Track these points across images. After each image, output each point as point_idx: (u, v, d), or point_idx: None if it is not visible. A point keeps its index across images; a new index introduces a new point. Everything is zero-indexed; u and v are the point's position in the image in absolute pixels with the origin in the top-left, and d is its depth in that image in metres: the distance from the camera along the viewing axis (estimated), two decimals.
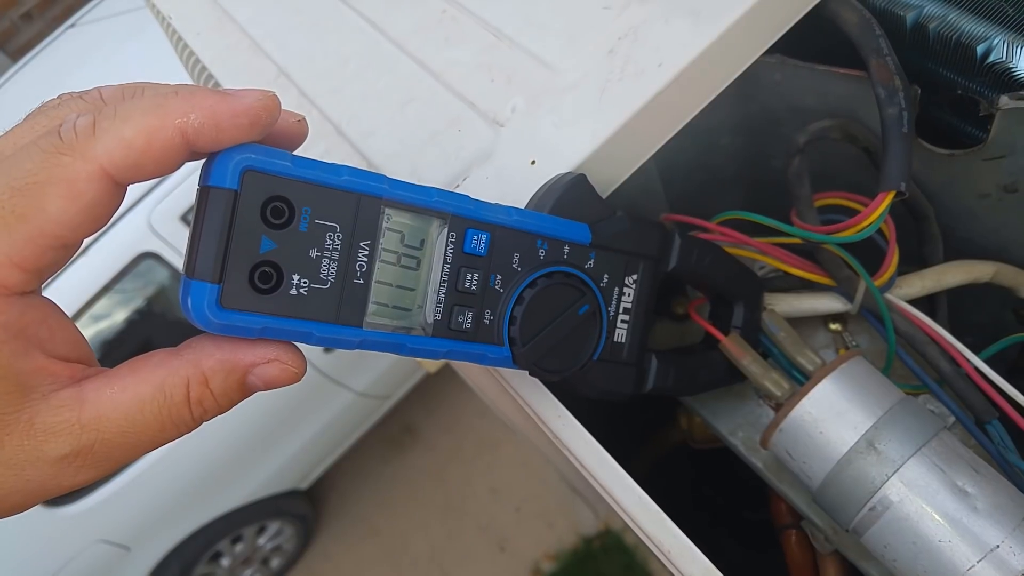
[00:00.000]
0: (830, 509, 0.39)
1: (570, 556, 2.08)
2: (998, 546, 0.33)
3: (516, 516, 2.20)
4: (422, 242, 0.33)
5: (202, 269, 0.28)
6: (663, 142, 0.41)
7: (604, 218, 0.38)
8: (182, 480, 1.88)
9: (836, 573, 0.48)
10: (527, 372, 0.37)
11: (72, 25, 2.22)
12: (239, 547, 2.14)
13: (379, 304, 0.32)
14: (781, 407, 0.40)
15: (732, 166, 0.52)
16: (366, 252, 0.31)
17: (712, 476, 0.68)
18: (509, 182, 0.41)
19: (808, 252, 0.44)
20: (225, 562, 2.12)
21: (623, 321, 0.39)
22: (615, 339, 0.39)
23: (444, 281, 0.33)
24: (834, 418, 0.38)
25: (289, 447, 2.07)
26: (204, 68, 0.56)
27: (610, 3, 0.42)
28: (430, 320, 0.33)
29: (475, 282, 0.34)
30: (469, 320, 0.34)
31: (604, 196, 0.42)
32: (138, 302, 1.75)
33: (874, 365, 0.40)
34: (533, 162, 0.41)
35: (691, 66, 0.38)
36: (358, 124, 0.46)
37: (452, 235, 0.33)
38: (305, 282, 0.30)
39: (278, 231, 0.30)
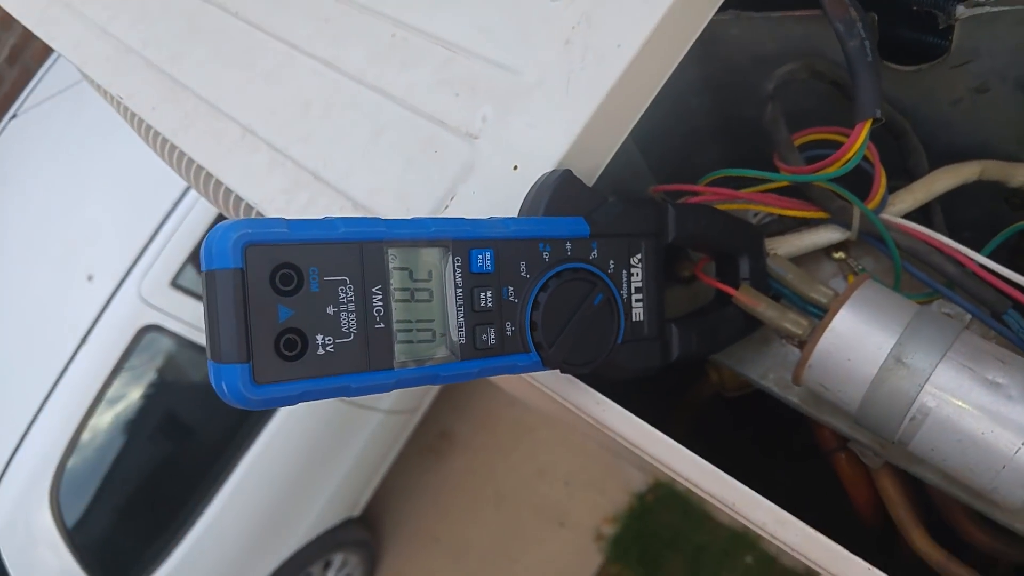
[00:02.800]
0: (873, 427, 0.40)
1: (628, 516, 2.11)
2: None
3: (567, 491, 2.22)
4: (430, 273, 0.34)
5: (228, 351, 0.29)
6: (636, 119, 0.41)
7: (597, 206, 0.39)
8: (239, 539, 1.90)
9: (891, 483, 0.49)
10: (558, 371, 0.38)
11: (14, 116, 2.21)
12: None
13: (404, 343, 0.33)
14: (805, 344, 0.41)
15: (708, 125, 0.53)
16: (380, 296, 0.32)
17: (751, 419, 0.70)
18: (496, 192, 0.41)
19: (798, 191, 0.45)
20: None
21: (637, 300, 0.40)
22: (634, 319, 0.40)
23: (460, 305, 0.34)
24: (858, 343, 0.39)
25: (332, 479, 2.09)
26: (166, 140, 0.56)
27: None
28: (457, 346, 0.34)
29: (490, 299, 0.35)
30: (493, 336, 0.35)
31: (591, 184, 0.43)
32: (150, 376, 1.76)
33: (884, 284, 0.41)
34: (516, 167, 0.41)
35: (649, 40, 0.38)
36: (334, 166, 0.47)
37: (457, 259, 0.34)
38: (330, 339, 0.31)
39: (292, 297, 0.30)
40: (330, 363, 0.31)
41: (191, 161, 0.52)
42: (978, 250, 0.42)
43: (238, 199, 0.50)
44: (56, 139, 1.99)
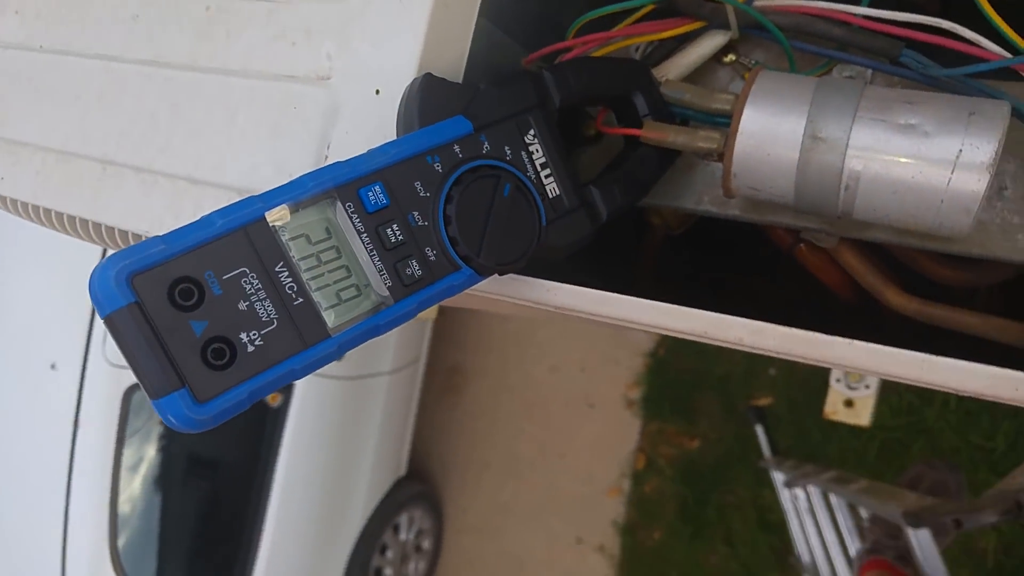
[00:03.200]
0: (815, 209, 0.40)
1: (648, 375, 2.17)
2: (960, 150, 0.34)
3: (585, 375, 2.27)
4: (328, 230, 0.32)
5: (159, 385, 0.28)
6: None
7: (472, 99, 0.37)
8: (304, 541, 1.93)
9: (852, 255, 0.50)
10: (499, 273, 0.37)
11: None
12: (389, 554, 2.22)
13: (331, 307, 0.32)
14: (723, 152, 0.40)
15: None
16: (286, 273, 0.31)
17: (708, 248, 0.70)
18: (369, 123, 0.40)
19: (668, 10, 0.43)
20: (388, 572, 2.21)
21: (547, 176, 0.39)
22: (551, 196, 0.39)
23: (371, 250, 0.33)
24: (772, 136, 0.38)
25: (367, 452, 2.12)
26: (26, 204, 0.53)
27: None
28: (385, 290, 0.33)
29: (398, 232, 0.34)
30: (417, 268, 0.34)
31: (460, 79, 0.41)
32: (156, 428, 1.75)
33: (779, 70, 0.40)
34: (378, 91, 0.39)
35: None
36: (204, 163, 0.44)
37: (348, 205, 0.33)
38: (255, 334, 0.30)
39: (199, 308, 0.29)
40: (265, 356, 0.30)
41: (67, 216, 0.50)
42: (857, 3, 0.41)
43: (129, 234, 0.48)
44: None
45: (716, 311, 0.36)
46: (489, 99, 0.37)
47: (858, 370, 0.33)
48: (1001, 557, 1.64)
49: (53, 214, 0.51)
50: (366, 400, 2.10)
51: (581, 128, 0.49)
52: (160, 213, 0.46)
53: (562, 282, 0.40)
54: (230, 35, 0.44)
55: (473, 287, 0.39)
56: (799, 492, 1.36)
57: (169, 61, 0.45)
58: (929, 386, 0.33)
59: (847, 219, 0.40)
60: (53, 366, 1.70)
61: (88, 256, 1.64)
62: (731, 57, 0.47)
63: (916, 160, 0.35)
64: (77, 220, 0.51)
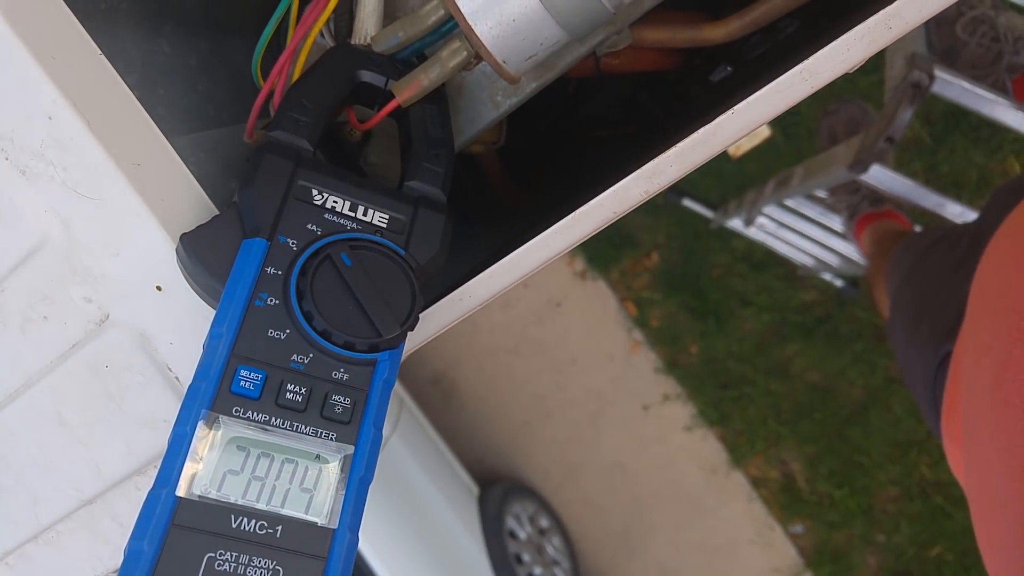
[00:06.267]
0: (591, 25, 0.37)
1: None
2: None
3: (530, 287, 2.26)
4: (239, 447, 0.28)
5: None
6: (159, 148, 0.34)
7: (236, 219, 0.33)
8: None
9: (651, 31, 0.47)
10: (409, 332, 0.33)
11: None
12: (526, 557, 2.21)
13: (307, 506, 0.28)
14: (478, 52, 0.37)
15: (192, 52, 0.44)
16: (245, 519, 0.27)
17: (536, 130, 0.67)
18: (182, 318, 0.35)
19: None
20: (538, 571, 2.20)
21: (364, 212, 0.35)
22: (384, 226, 0.35)
23: (290, 426, 0.29)
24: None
25: (436, 507, 2.07)
26: None
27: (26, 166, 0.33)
28: (335, 445, 0.29)
29: (296, 387, 0.30)
30: (342, 399, 0.30)
31: (214, 209, 0.36)
32: None
33: None
34: (159, 287, 0.34)
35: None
36: (82, 481, 0.39)
37: (236, 410, 0.28)
38: None
39: None
40: None
41: None
42: None
43: None
44: None
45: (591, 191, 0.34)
46: (250, 203, 0.32)
47: (753, 130, 0.31)
48: (932, 128, 1.74)
49: None
50: (397, 470, 2.04)
51: (346, 137, 0.45)
52: (86, 554, 0.40)
53: (460, 277, 0.36)
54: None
55: (404, 356, 0.35)
56: (761, 220, 1.40)
57: None
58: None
59: (622, 9, 0.37)
60: None
61: None
62: None
63: None
64: None
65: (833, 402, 2.03)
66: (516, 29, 0.35)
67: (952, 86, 1.03)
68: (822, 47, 0.29)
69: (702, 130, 0.31)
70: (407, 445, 2.10)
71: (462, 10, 0.35)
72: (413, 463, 2.08)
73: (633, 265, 2.16)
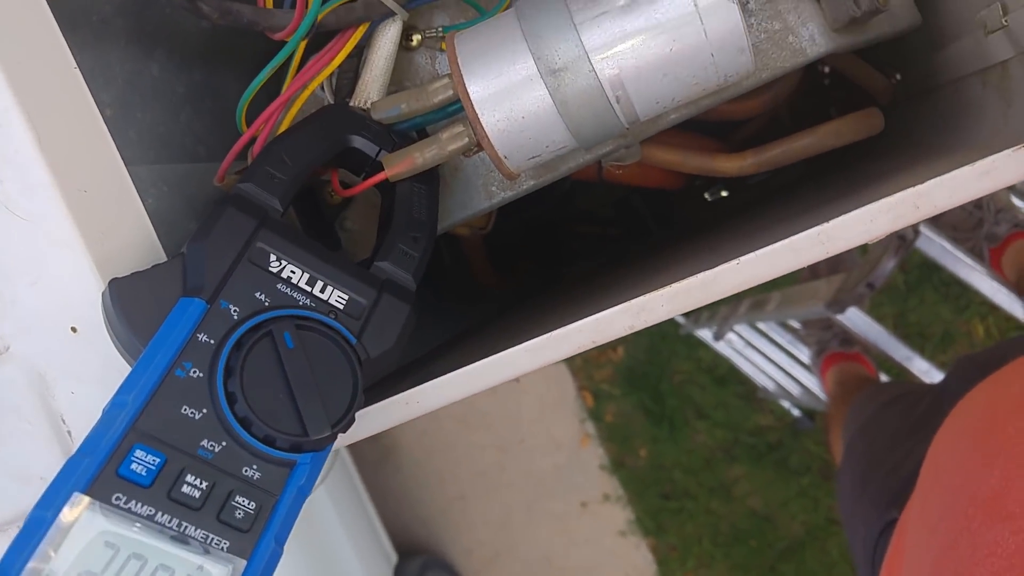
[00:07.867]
0: (602, 134, 0.35)
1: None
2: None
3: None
4: (108, 544, 0.24)
5: None
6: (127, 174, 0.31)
7: (179, 271, 0.29)
8: None
9: (661, 152, 0.46)
10: (342, 431, 0.29)
11: None
12: None
13: None
14: (480, 142, 0.35)
15: (174, 79, 0.41)
16: None
17: (527, 220, 0.65)
18: (90, 368, 0.30)
19: (326, 35, 0.37)
20: None
21: (322, 290, 0.31)
22: (340, 307, 0.31)
23: (177, 525, 0.25)
24: (510, 95, 0.33)
25: (342, 559, 1.97)
26: None
27: None
28: (225, 557, 0.25)
29: (197, 479, 0.26)
30: (246, 502, 0.26)
31: (159, 254, 0.32)
32: None
33: (470, 23, 0.34)
34: (74, 328, 0.30)
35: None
36: None
37: (117, 497, 0.24)
38: None
39: None
40: None
41: None
42: None
43: None
44: None
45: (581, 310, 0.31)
46: (199, 257, 0.29)
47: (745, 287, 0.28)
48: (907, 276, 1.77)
49: None
50: (316, 522, 1.94)
51: (324, 199, 0.42)
52: None
53: (417, 376, 0.33)
54: None
55: (331, 453, 0.31)
56: (731, 336, 1.39)
57: None
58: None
59: (639, 126, 0.35)
60: None
61: None
62: (417, 38, 0.40)
63: (661, 30, 0.31)
64: None
65: (771, 533, 1.99)
66: (524, 127, 0.33)
67: (934, 244, 1.06)
68: (846, 212, 0.27)
69: (700, 275, 0.28)
70: (332, 498, 2.00)
71: (472, 96, 0.33)
72: (335, 517, 1.98)
73: (598, 355, 2.13)
